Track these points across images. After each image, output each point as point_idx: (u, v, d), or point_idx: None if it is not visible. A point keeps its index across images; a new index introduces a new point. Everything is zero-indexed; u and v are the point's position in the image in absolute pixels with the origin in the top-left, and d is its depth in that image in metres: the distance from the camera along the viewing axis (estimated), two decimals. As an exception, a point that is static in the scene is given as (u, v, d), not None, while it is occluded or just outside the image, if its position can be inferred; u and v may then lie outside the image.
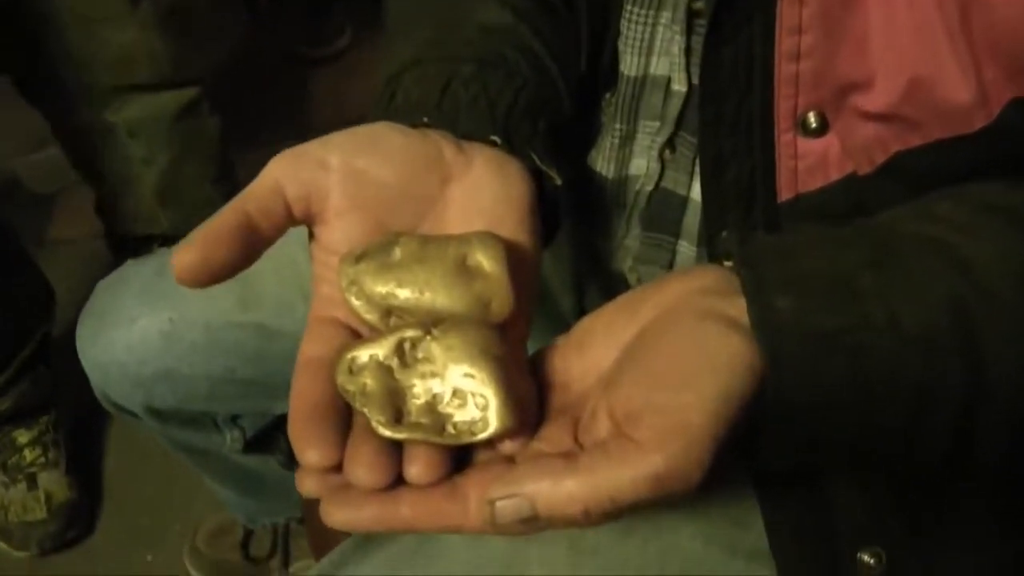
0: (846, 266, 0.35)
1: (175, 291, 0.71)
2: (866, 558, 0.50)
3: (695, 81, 0.53)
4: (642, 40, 0.55)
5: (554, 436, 0.36)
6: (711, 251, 0.52)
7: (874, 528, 0.50)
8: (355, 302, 0.39)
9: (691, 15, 0.52)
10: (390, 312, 0.39)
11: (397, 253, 0.39)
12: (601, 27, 0.57)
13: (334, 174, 0.40)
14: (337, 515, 0.34)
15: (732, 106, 0.49)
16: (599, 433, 0.34)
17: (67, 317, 1.09)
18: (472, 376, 0.35)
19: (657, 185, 0.58)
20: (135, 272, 0.74)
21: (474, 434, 0.35)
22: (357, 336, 0.39)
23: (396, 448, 0.35)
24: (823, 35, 0.44)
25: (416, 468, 0.34)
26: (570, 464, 0.32)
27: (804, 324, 0.34)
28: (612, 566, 0.54)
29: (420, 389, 0.36)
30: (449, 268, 0.38)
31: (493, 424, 0.35)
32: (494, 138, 0.45)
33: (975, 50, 0.40)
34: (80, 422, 1.28)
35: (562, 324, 0.66)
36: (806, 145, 0.47)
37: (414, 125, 0.44)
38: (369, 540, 0.58)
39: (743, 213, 0.50)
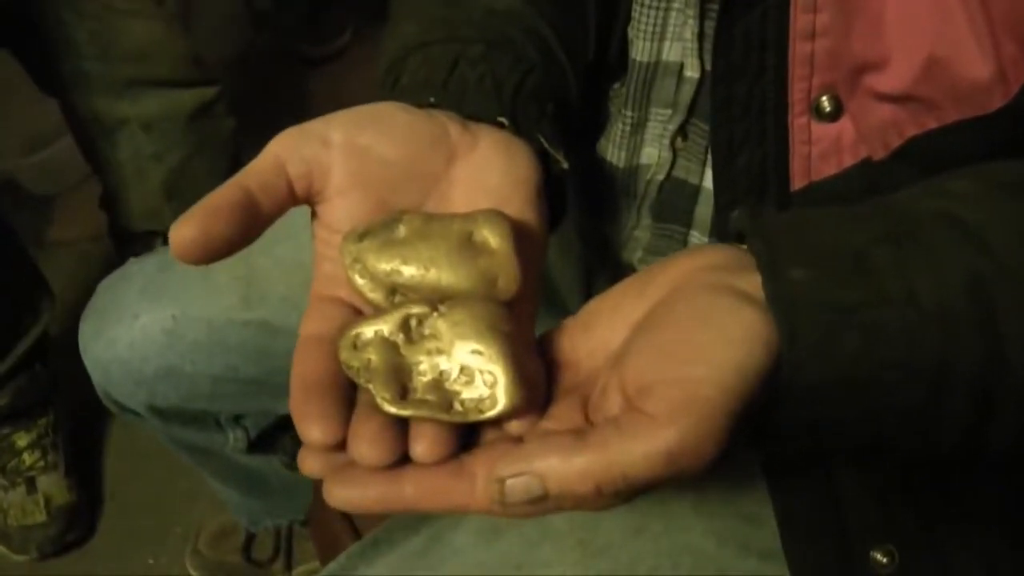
0: (862, 240, 0.35)
1: (178, 288, 0.71)
2: (879, 556, 0.49)
3: (708, 67, 0.53)
4: (654, 25, 0.54)
5: (563, 415, 0.35)
6: (721, 231, 0.51)
7: (886, 525, 0.49)
8: (359, 280, 0.38)
9: None
10: (395, 290, 0.38)
11: (401, 230, 0.38)
12: (610, 13, 0.56)
13: (336, 151, 0.39)
14: (340, 493, 0.33)
15: (744, 88, 0.48)
16: (610, 409, 0.33)
17: (66, 319, 1.08)
18: (480, 353, 0.34)
19: (668, 174, 0.57)
20: (138, 269, 0.74)
21: (482, 412, 0.34)
22: (360, 315, 0.38)
23: (401, 426, 0.34)
24: (838, 13, 0.43)
25: (422, 446, 0.33)
26: (581, 439, 0.31)
27: (820, 297, 0.33)
28: (623, 565, 0.54)
29: (426, 366, 0.35)
30: (454, 245, 0.37)
31: (502, 402, 0.34)
32: (501, 119, 0.44)
33: (993, 26, 0.39)
34: (80, 423, 1.27)
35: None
36: (820, 130, 0.46)
37: (419, 105, 0.43)
38: (377, 542, 0.57)
39: (755, 201, 0.49)
